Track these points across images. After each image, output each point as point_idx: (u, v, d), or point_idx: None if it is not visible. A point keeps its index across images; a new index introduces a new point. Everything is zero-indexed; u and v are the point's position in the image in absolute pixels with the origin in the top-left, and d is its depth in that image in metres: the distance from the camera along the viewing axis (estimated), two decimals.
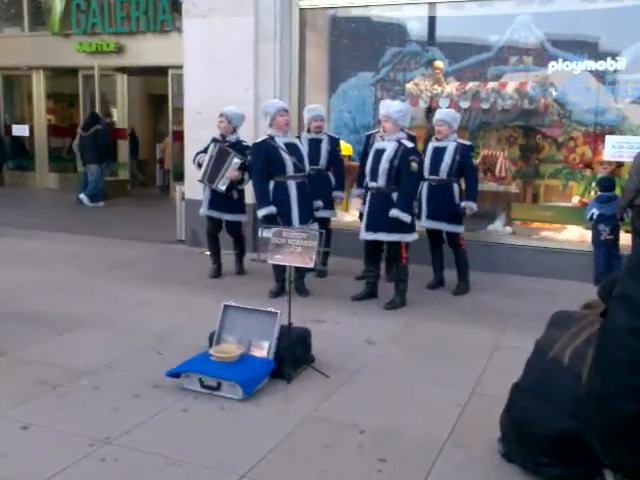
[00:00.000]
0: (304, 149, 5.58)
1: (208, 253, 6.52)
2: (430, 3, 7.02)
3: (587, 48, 6.73)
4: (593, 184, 7.06)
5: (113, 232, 8.64)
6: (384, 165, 5.10)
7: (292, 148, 5.45)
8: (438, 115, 5.81)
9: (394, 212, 5.09)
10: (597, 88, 6.77)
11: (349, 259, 6.46)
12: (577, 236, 6.95)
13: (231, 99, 6.73)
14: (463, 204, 5.65)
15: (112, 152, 12.43)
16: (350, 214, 7.57)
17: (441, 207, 5.67)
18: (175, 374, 3.56)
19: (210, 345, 3.88)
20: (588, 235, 6.80)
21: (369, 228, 5.27)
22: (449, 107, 6.87)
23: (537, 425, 2.45)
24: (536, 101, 6.91)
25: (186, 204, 7.94)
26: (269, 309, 3.76)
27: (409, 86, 7.39)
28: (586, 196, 7.15)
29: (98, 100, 12.64)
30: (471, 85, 7.04)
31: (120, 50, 12.28)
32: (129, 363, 3.98)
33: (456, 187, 5.72)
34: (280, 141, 5.42)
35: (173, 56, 11.39)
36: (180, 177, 12.63)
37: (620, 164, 6.82)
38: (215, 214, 6.18)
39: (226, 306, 3.86)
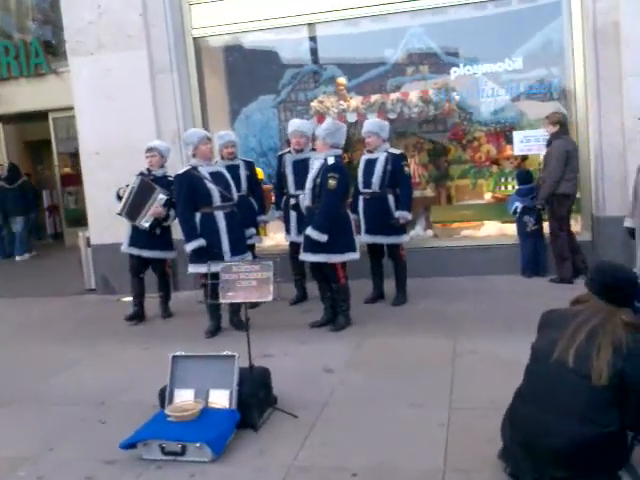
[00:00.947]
0: (229, 177, 5.29)
1: (126, 299, 6.07)
2: (324, 22, 6.98)
3: (479, 52, 6.96)
4: (502, 179, 7.28)
5: (14, 290, 7.94)
6: (309, 185, 4.96)
7: (217, 177, 5.19)
8: (365, 127, 5.71)
9: (308, 230, 4.95)
10: (493, 89, 6.99)
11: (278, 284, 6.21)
12: (496, 230, 7.12)
13: (132, 136, 6.36)
14: (397, 214, 5.56)
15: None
16: (269, 237, 7.36)
17: (379, 220, 5.56)
18: (130, 444, 3.16)
19: (162, 403, 3.51)
20: (506, 229, 7.02)
21: (303, 249, 5.10)
22: (356, 121, 6.86)
23: (548, 437, 2.32)
24: (441, 107, 7.04)
25: (93, 250, 7.41)
26: (224, 353, 3.45)
27: (314, 104, 7.34)
28: (497, 191, 7.35)
29: None
30: (376, 97, 7.08)
31: None
32: (71, 440, 3.51)
33: (391, 198, 5.61)
34: (204, 171, 5.14)
35: (52, 99, 10.82)
36: (74, 223, 12.01)
37: (525, 157, 7.07)
38: (136, 251, 5.80)
39: (175, 357, 3.51)
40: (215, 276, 3.84)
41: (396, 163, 5.57)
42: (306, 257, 5.09)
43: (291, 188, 5.91)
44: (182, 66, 6.93)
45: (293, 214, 5.90)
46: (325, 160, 4.97)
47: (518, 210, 6.28)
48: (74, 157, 12.17)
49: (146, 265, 5.94)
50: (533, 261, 6.33)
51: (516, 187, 6.53)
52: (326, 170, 4.91)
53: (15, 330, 6.08)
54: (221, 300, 3.57)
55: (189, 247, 5.10)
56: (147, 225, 5.61)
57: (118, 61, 6.74)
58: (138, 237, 5.73)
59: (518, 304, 5.52)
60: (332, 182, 4.85)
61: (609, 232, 5.95)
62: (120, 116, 6.73)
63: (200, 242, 5.08)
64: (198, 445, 3.05)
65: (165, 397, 3.48)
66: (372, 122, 5.79)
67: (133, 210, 5.64)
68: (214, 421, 3.21)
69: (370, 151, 5.67)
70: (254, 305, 5.83)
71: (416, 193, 7.25)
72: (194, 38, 7.02)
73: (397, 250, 5.76)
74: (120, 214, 5.75)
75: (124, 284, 6.83)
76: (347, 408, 3.61)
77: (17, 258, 10.82)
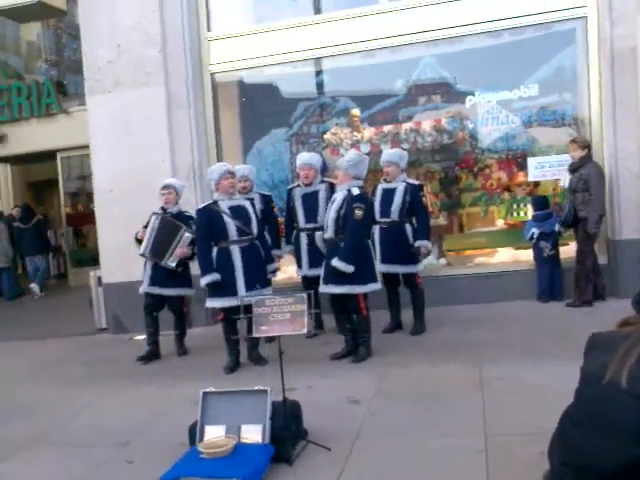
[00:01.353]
0: (252, 211, 5.25)
1: (138, 338, 5.99)
2: (337, 55, 7.06)
3: (493, 80, 7.02)
4: (515, 206, 7.29)
5: (22, 332, 7.90)
6: (332, 216, 4.94)
7: (237, 211, 5.17)
8: (384, 157, 5.74)
9: (334, 262, 4.91)
10: (507, 116, 7.04)
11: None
12: (509, 257, 7.11)
13: (147, 172, 6.40)
14: (417, 243, 5.56)
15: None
16: (281, 271, 7.32)
17: (395, 249, 5.55)
18: None
19: (192, 440, 3.44)
20: (519, 255, 7.00)
21: (324, 281, 5.05)
22: (371, 151, 6.91)
23: (599, 459, 2.26)
24: (455, 135, 7.11)
25: (104, 289, 7.36)
26: (256, 388, 3.40)
27: (327, 136, 7.41)
28: (509, 218, 7.35)
29: None
30: (389, 127, 7.14)
31: (1, 139, 11.57)
32: None
33: (408, 227, 5.63)
34: (224, 205, 5.14)
35: (61, 139, 10.95)
36: (78, 263, 12.01)
37: (537, 183, 7.10)
38: (157, 290, 5.76)
39: (205, 393, 3.46)
40: (248, 310, 3.81)
41: (414, 193, 5.61)
42: (328, 289, 5.04)
43: (301, 222, 5.90)
44: (199, 101, 6.99)
45: (304, 248, 5.89)
46: (349, 191, 4.97)
47: (535, 236, 6.28)
48: (79, 197, 12.30)
49: (163, 304, 5.89)
50: (549, 286, 6.30)
51: (532, 213, 6.53)
52: (352, 200, 4.90)
53: (30, 371, 6.00)
54: (255, 334, 3.53)
55: (203, 281, 5.10)
56: (174, 265, 5.59)
57: (136, 97, 6.81)
58: (159, 276, 5.70)
59: (538, 329, 5.49)
60: (358, 212, 4.86)
61: (626, 255, 5.94)
62: (136, 152, 6.78)
63: (214, 277, 5.06)
64: None
65: (195, 434, 3.41)
66: (392, 152, 5.84)
67: (157, 249, 5.61)
68: (248, 456, 3.15)
69: (388, 180, 5.69)
70: (270, 339, 5.78)
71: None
72: (211, 73, 7.10)
73: (414, 279, 5.74)
74: (143, 255, 5.69)
75: (136, 323, 6.81)
76: (380, 439, 3.54)
77: (40, 293, 11.09)
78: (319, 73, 7.66)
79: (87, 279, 8.81)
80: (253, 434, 3.32)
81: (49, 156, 11.59)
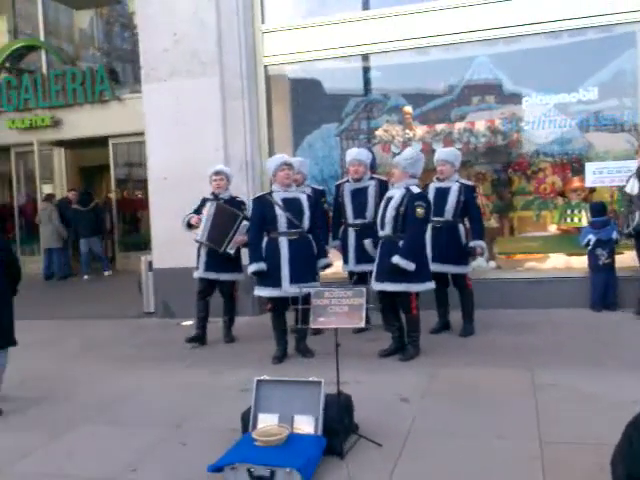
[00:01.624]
0: (307, 205, 5.25)
1: (185, 323, 6.07)
2: (392, 51, 7.03)
3: (550, 82, 6.92)
4: (568, 211, 7.15)
5: (72, 312, 8.11)
6: (391, 213, 4.93)
7: (291, 203, 5.19)
8: (439, 155, 5.71)
9: (395, 259, 4.89)
10: (563, 120, 6.93)
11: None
12: (562, 263, 6.98)
13: (200, 161, 6.48)
14: (472, 243, 5.53)
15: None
16: None
17: (447, 249, 5.52)
18: (218, 468, 3.13)
19: (245, 427, 3.48)
20: (572, 262, 6.87)
21: (377, 278, 5.04)
22: (422, 149, 6.85)
23: None
24: (509, 137, 7.01)
25: (154, 274, 7.50)
26: (310, 379, 3.42)
27: (379, 132, 7.40)
28: (562, 223, 7.22)
29: (38, 176, 12.16)
30: (442, 126, 7.08)
31: (56, 124, 11.85)
32: (153, 461, 3.50)
33: (461, 227, 5.62)
34: (278, 196, 5.18)
35: (113, 125, 11.18)
36: (126, 248, 12.28)
37: (592, 189, 6.95)
38: (213, 275, 5.87)
39: (259, 381, 3.49)
40: (306, 301, 3.84)
41: (468, 194, 5.58)
42: (383, 287, 5.00)
43: (349, 217, 5.90)
44: (252, 94, 7.06)
45: (352, 244, 5.88)
46: (408, 189, 4.95)
47: (591, 243, 6.15)
48: (127, 183, 12.57)
49: (214, 288, 5.98)
50: (603, 295, 6.17)
51: (589, 219, 6.40)
52: (412, 199, 4.89)
53: (81, 351, 6.15)
54: (311, 325, 3.54)
55: (249, 269, 5.18)
56: (232, 252, 5.71)
57: (190, 87, 6.90)
58: (214, 261, 5.78)
59: (592, 337, 5.39)
60: (420, 210, 4.85)
61: None
62: (190, 142, 6.87)
63: (260, 266, 5.12)
64: (288, 470, 3.00)
65: (248, 421, 3.45)
66: (447, 151, 5.80)
67: (216, 237, 5.68)
68: (302, 447, 3.16)
69: (441, 180, 5.65)
70: (317, 332, 5.80)
71: None
72: (265, 66, 7.16)
73: (464, 280, 5.69)
74: (200, 241, 5.76)
75: (184, 308, 6.92)
76: (431, 438, 3.52)
77: (105, 273, 11.56)
78: (370, 69, 7.68)
79: (134, 263, 9.05)
80: (305, 425, 3.33)
81: (101, 142, 11.84)
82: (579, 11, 6.32)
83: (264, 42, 7.16)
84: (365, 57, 7.34)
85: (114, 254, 12.87)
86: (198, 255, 5.88)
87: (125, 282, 9.71)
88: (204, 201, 5.89)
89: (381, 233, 5.08)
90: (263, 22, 7.21)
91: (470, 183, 5.81)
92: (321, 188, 6.42)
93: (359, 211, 5.79)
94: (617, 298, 6.18)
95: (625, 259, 6.31)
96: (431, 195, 5.57)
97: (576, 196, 7.00)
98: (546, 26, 6.47)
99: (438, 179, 5.68)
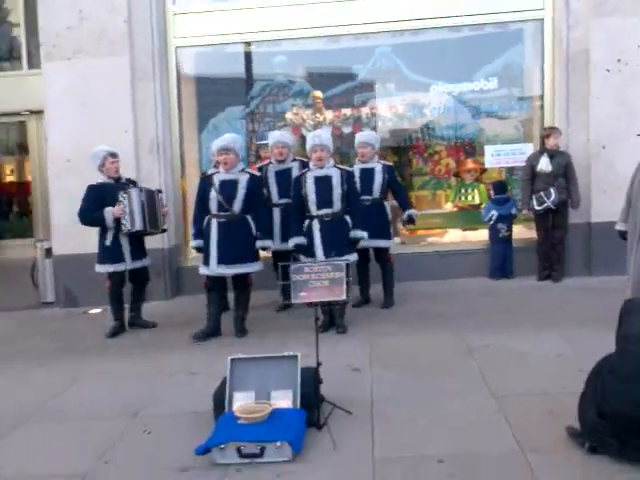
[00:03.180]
0: (244, 187, 5.23)
1: (93, 311, 6.17)
2: (296, 38, 7.21)
3: (446, 72, 7.40)
4: (462, 190, 7.71)
5: None
6: (337, 191, 5.19)
7: (228, 185, 5.25)
8: (360, 138, 5.97)
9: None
10: (457, 106, 7.46)
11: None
12: (459, 237, 7.54)
13: (108, 143, 6.14)
14: (409, 212, 6.04)
15: None
16: None
17: (376, 225, 5.75)
18: (206, 449, 3.12)
19: (218, 408, 3.48)
20: (468, 235, 7.46)
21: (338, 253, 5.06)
22: (333, 132, 7.09)
23: None
24: (411, 121, 7.40)
25: (54, 261, 7.07)
26: (285, 354, 3.50)
27: (289, 116, 7.47)
28: (457, 201, 7.76)
29: None
30: (351, 110, 7.31)
31: None
32: (123, 452, 3.38)
33: (387, 204, 6.01)
34: (217, 178, 5.27)
35: None
36: (16, 234, 11.25)
37: (484, 170, 7.56)
38: (138, 264, 5.79)
39: (233, 360, 3.50)
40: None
41: (391, 172, 6.01)
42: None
43: (274, 197, 5.98)
44: (163, 75, 6.90)
45: (277, 223, 5.96)
46: (341, 169, 5.38)
47: (494, 218, 6.72)
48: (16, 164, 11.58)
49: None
50: (502, 265, 6.78)
51: (492, 196, 7.00)
52: (351, 177, 5.35)
53: None
54: (293, 300, 3.59)
55: (191, 244, 5.57)
56: (166, 227, 5.88)
57: (98, 67, 6.60)
58: (136, 249, 5.69)
59: (501, 302, 5.92)
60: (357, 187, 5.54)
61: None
62: (96, 123, 6.55)
63: (198, 242, 5.35)
64: (278, 445, 3.07)
65: (222, 401, 3.45)
66: (369, 134, 6.16)
67: (152, 220, 5.62)
68: (286, 421, 3.24)
69: (363, 161, 5.90)
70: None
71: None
72: (175, 47, 7.04)
73: (386, 254, 5.98)
74: (141, 231, 5.57)
75: (88, 296, 6.66)
76: (396, 404, 3.71)
77: None
78: (277, 54, 7.72)
79: (11, 252, 8.41)
80: (283, 400, 3.40)
81: None
82: (478, 8, 6.92)
83: (175, 23, 7.02)
84: (274, 43, 7.36)
85: None
86: (116, 246, 5.60)
87: (8, 270, 9.01)
88: (115, 188, 5.56)
89: (326, 211, 5.21)
90: (174, 3, 7.09)
91: (389, 163, 6.22)
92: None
93: (282, 191, 5.87)
94: (513, 267, 6.81)
95: (520, 232, 6.99)
96: (357, 175, 5.77)
97: (470, 176, 7.57)
98: (449, 20, 6.98)
99: (360, 161, 5.91)
